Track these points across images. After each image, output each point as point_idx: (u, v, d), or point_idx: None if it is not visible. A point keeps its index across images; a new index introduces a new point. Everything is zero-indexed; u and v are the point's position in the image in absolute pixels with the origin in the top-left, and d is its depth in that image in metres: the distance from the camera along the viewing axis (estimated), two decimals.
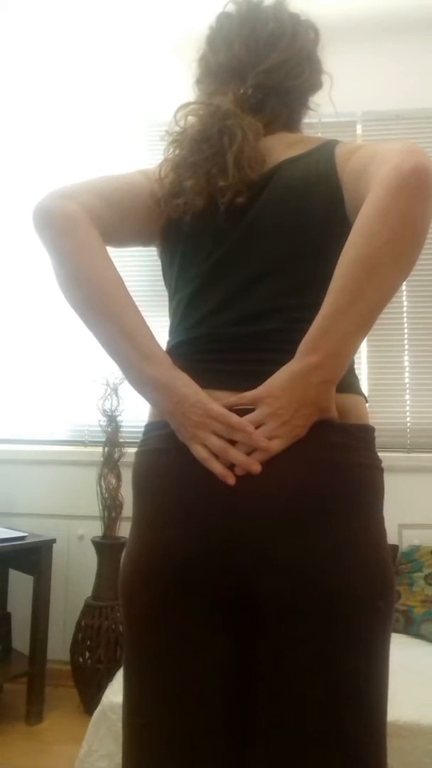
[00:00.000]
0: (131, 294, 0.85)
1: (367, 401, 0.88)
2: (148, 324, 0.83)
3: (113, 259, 0.84)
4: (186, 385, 0.81)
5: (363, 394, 0.87)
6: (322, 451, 0.78)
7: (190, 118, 0.90)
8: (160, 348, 0.84)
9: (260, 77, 0.93)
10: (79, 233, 0.81)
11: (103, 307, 0.82)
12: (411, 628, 2.07)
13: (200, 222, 0.87)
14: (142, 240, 0.98)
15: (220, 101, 0.90)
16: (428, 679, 1.68)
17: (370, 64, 2.66)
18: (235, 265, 0.87)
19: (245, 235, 0.87)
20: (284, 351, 0.80)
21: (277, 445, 0.76)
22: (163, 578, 0.80)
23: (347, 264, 0.74)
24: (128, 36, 2.75)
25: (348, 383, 0.84)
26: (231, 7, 0.98)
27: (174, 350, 0.90)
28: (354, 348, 0.79)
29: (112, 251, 0.87)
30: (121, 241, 0.95)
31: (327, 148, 0.89)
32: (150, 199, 0.92)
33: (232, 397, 0.79)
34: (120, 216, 0.90)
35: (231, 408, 0.78)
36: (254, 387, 0.80)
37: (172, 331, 0.94)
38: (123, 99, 2.82)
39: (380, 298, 0.74)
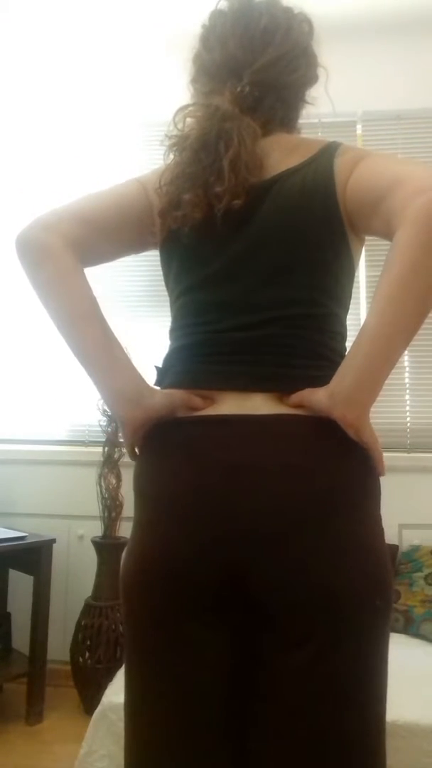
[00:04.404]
0: (129, 296, 0.86)
1: None
2: (110, 352, 0.86)
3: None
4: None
5: None
6: (319, 455, 0.79)
7: (188, 120, 0.90)
8: (116, 379, 0.86)
9: (256, 74, 0.92)
10: (50, 265, 0.85)
11: (68, 338, 0.86)
12: (411, 628, 2.07)
13: (200, 232, 0.87)
14: (136, 251, 1.01)
15: (218, 102, 0.90)
16: (428, 679, 1.68)
17: (370, 64, 2.66)
18: (237, 273, 0.87)
19: (245, 245, 0.87)
20: (284, 354, 0.80)
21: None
22: (163, 579, 0.80)
23: (389, 316, 0.72)
24: (123, 35, 2.75)
25: None
26: (223, 5, 0.98)
27: (175, 353, 0.91)
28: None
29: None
30: (111, 257, 0.99)
31: (326, 157, 0.88)
32: (144, 213, 0.93)
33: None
34: (104, 236, 0.93)
35: None
36: (260, 387, 0.81)
37: (174, 334, 0.94)
38: (118, 98, 2.82)
39: (416, 331, 0.74)
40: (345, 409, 0.76)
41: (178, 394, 0.85)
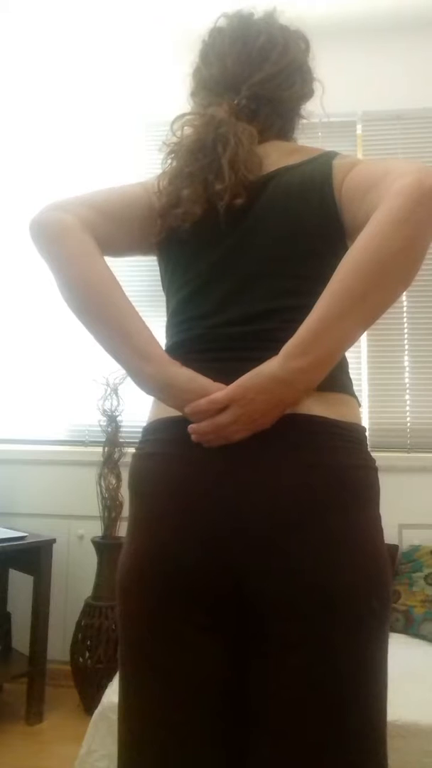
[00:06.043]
0: (129, 295, 0.86)
1: (360, 405, 0.88)
2: (144, 322, 0.84)
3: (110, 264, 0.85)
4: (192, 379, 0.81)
5: (355, 396, 0.88)
6: (315, 454, 0.79)
7: (186, 128, 0.92)
8: (158, 346, 0.84)
9: (253, 89, 0.95)
10: (70, 239, 0.84)
11: (97, 310, 0.84)
12: (411, 628, 2.07)
13: (199, 228, 0.88)
14: (140, 250, 1.00)
15: (214, 111, 0.91)
16: (428, 679, 1.68)
17: (370, 64, 2.66)
18: (232, 266, 0.88)
19: (243, 237, 0.88)
20: (279, 350, 0.80)
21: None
22: (159, 580, 0.80)
23: (353, 266, 0.73)
24: (128, 36, 2.75)
25: (341, 383, 0.84)
26: (222, 22, 1.00)
27: (170, 350, 0.91)
28: (345, 350, 0.79)
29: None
30: (118, 250, 0.97)
31: (325, 158, 0.90)
32: (147, 211, 0.94)
33: (202, 401, 0.78)
34: (115, 226, 0.92)
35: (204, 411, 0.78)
36: None
37: (169, 331, 0.94)
38: (122, 98, 2.82)
39: (383, 305, 0.74)
40: (281, 358, 0.76)
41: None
